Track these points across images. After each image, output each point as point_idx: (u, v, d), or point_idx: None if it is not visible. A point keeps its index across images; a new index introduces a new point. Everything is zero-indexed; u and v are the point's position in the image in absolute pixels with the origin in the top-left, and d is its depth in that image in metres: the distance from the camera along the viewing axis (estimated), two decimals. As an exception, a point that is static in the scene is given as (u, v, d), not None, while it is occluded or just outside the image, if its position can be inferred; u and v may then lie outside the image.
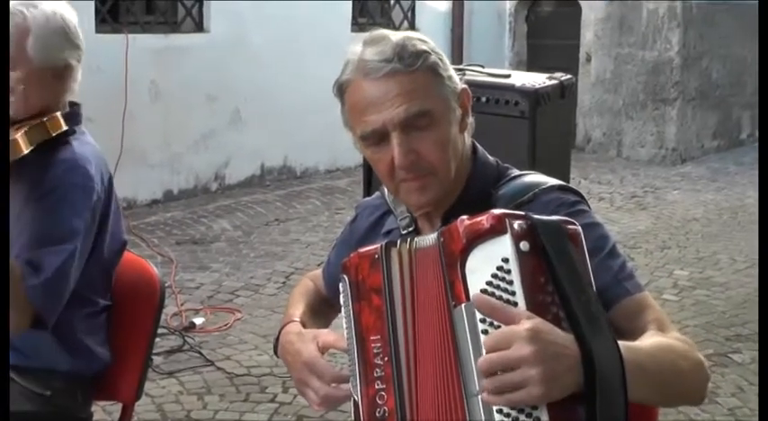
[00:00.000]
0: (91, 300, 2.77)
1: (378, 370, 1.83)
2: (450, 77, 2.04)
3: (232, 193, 8.67)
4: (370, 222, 2.27)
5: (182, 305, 5.73)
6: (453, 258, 1.73)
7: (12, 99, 2.60)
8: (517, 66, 11.38)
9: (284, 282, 6.40)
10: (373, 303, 1.86)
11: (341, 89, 2.10)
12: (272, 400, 4.65)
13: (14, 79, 2.62)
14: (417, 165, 1.99)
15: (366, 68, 2.00)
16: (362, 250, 1.92)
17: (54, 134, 2.62)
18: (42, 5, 2.67)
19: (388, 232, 2.18)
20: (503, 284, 1.67)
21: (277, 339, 2.24)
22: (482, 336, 1.66)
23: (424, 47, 2.00)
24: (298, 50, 9.05)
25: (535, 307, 1.67)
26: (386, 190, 2.20)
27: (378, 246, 1.90)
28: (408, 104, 1.96)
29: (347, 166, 9.62)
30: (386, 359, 1.82)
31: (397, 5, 10.65)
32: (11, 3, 2.63)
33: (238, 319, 5.67)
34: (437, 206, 2.07)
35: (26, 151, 2.51)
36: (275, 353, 2.25)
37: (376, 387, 1.83)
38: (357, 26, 9.99)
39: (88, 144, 2.76)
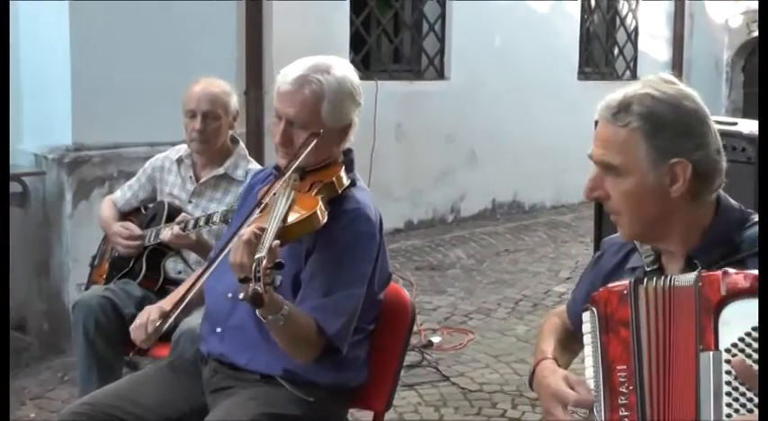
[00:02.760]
0: (362, 329, 2.80)
1: (622, 397, 1.81)
2: (658, 147, 1.98)
3: (466, 225, 8.66)
4: (617, 259, 2.22)
5: (421, 324, 5.75)
6: (709, 305, 1.69)
7: (303, 152, 2.64)
8: (733, 113, 10.97)
9: (513, 308, 6.36)
10: (620, 335, 1.83)
11: None
12: (503, 415, 4.61)
13: (305, 136, 2.67)
14: (607, 203, 2.05)
15: (600, 109, 2.05)
16: (611, 285, 1.89)
17: (340, 191, 2.68)
18: (334, 71, 2.69)
19: (633, 269, 2.13)
20: (754, 344, 1.62)
21: (533, 373, 2.23)
22: (725, 387, 1.61)
23: (643, 110, 1.97)
24: (528, 97, 9.02)
25: None
26: None
27: (626, 282, 1.87)
28: (603, 152, 2.01)
29: (571, 203, 9.51)
30: (630, 388, 1.79)
31: (621, 56, 10.47)
32: (307, 69, 2.67)
33: (471, 340, 5.66)
34: (679, 246, 2.02)
35: (324, 221, 2.56)
36: (530, 386, 2.24)
37: (620, 413, 1.80)
38: (583, 75, 9.90)
39: (364, 190, 2.80)
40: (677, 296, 1.78)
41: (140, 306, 3.77)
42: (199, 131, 3.84)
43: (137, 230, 3.92)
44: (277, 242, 2.35)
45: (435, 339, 5.56)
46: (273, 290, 2.37)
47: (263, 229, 2.42)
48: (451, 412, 4.63)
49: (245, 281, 2.27)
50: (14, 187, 5.30)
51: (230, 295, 2.70)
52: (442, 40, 8.56)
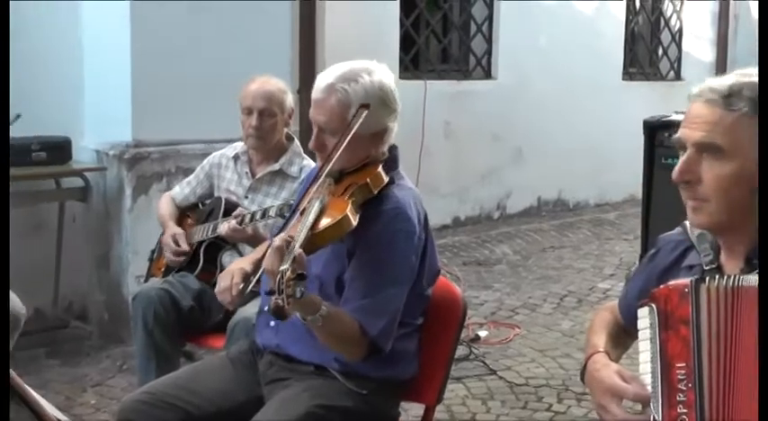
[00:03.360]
0: (408, 323, 2.77)
1: (681, 394, 1.77)
2: None
3: (512, 222, 8.61)
4: (673, 257, 2.16)
5: (468, 319, 5.70)
6: None
7: (335, 156, 2.61)
8: (775, 114, 10.82)
9: (558, 303, 6.30)
10: (680, 333, 1.79)
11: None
12: (548, 409, 4.56)
13: (335, 142, 2.64)
14: (695, 188, 1.94)
15: (699, 90, 1.98)
16: (672, 283, 1.85)
17: (377, 192, 2.64)
18: (363, 79, 2.64)
19: (690, 267, 2.07)
20: None
21: (584, 367, 2.18)
22: None
23: (754, 97, 1.91)
24: (573, 96, 8.95)
25: None
26: (688, 225, 2.10)
27: (687, 280, 1.82)
28: (706, 133, 1.91)
29: (615, 201, 9.45)
30: (689, 386, 1.75)
31: (665, 57, 10.36)
32: (336, 78, 2.64)
33: (517, 334, 5.62)
34: (744, 243, 1.96)
35: (355, 223, 2.53)
36: (581, 379, 2.19)
37: (678, 410, 1.76)
38: (628, 75, 9.82)
39: (405, 188, 2.75)
40: (741, 296, 1.74)
41: (198, 298, 3.80)
42: (255, 128, 3.84)
43: (185, 246, 3.94)
44: (300, 252, 2.34)
45: (482, 333, 5.52)
46: (309, 294, 2.35)
47: (292, 237, 2.41)
48: (498, 405, 4.60)
49: (270, 293, 2.28)
50: (77, 182, 5.34)
51: None
52: (489, 40, 8.53)
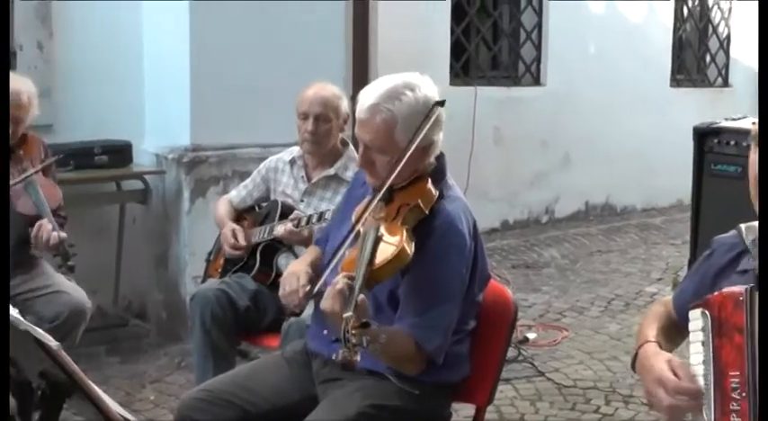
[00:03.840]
0: (461, 329, 2.76)
1: (734, 403, 1.74)
2: None
3: (560, 226, 8.56)
4: (726, 259, 2.13)
5: (517, 321, 5.68)
6: None
7: (384, 174, 2.61)
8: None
9: (606, 307, 6.25)
10: (734, 341, 1.76)
11: None
12: (596, 411, 4.52)
13: (383, 160, 2.63)
14: None
15: None
16: (726, 290, 1.82)
17: (427, 211, 2.62)
18: (406, 96, 2.61)
19: (744, 271, 2.04)
20: None
21: (635, 356, 2.15)
22: None
23: None
24: (621, 103, 8.89)
25: None
26: (743, 229, 2.07)
27: (742, 288, 1.79)
28: None
29: (662, 206, 9.35)
30: (743, 395, 1.72)
31: (713, 63, 10.23)
32: (379, 97, 2.62)
33: (566, 337, 5.58)
34: None
35: (411, 252, 2.51)
36: (632, 368, 2.16)
37: (732, 419, 1.73)
38: (675, 82, 9.72)
39: (455, 199, 2.73)
40: None
41: (254, 299, 3.81)
42: (311, 133, 3.84)
43: (242, 241, 3.95)
44: (363, 298, 2.32)
45: (531, 335, 5.49)
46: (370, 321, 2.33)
47: (352, 278, 2.39)
48: (547, 406, 4.56)
49: (336, 341, 2.27)
50: (137, 185, 5.39)
51: None
52: (538, 47, 8.50)
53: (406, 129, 2.60)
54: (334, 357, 2.26)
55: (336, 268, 2.57)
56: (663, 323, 2.26)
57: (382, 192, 2.61)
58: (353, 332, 2.21)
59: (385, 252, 2.48)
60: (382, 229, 2.54)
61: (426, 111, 2.60)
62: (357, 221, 2.62)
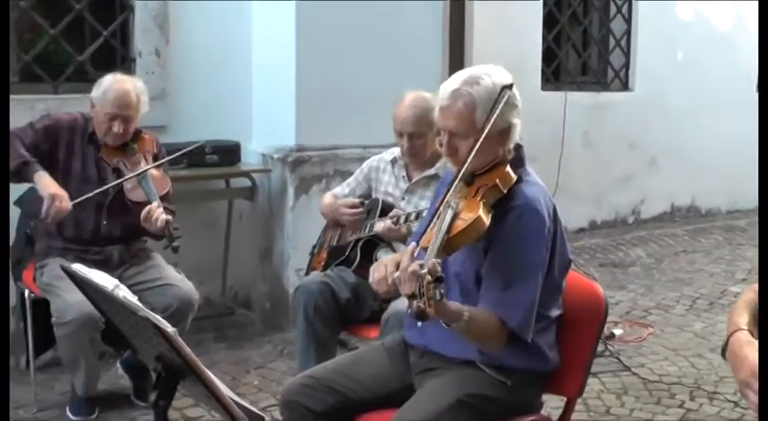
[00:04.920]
0: (545, 316, 2.73)
1: None
2: None
3: (646, 226, 8.42)
4: None
5: (604, 317, 5.60)
6: None
7: (469, 158, 2.59)
8: None
9: (691, 305, 6.12)
10: None
11: None
12: (681, 406, 4.42)
13: (467, 145, 2.62)
14: None
15: None
16: None
17: (506, 190, 2.61)
18: (483, 81, 2.62)
19: None
20: None
21: (726, 343, 2.10)
22: None
23: None
24: (707, 108, 8.71)
25: None
26: None
27: None
28: None
29: (747, 208, 9.11)
30: None
31: (800, 70, 9.94)
32: (459, 83, 2.63)
33: (651, 334, 5.47)
34: None
35: (488, 223, 2.51)
36: (722, 355, 2.10)
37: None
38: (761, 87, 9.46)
39: (533, 184, 2.70)
40: None
41: (354, 291, 3.82)
42: (407, 149, 3.84)
43: (355, 200, 3.99)
44: (434, 261, 2.31)
45: (617, 331, 5.40)
46: (447, 297, 2.34)
47: (427, 244, 2.42)
48: (632, 400, 4.48)
49: (412, 297, 2.27)
50: (245, 182, 5.45)
51: None
52: (627, 54, 8.38)
53: (484, 111, 2.61)
54: (409, 312, 2.26)
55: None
56: (753, 310, 2.19)
57: (463, 171, 2.60)
58: (429, 287, 2.23)
59: (461, 220, 2.50)
60: (461, 204, 2.56)
61: (504, 101, 2.61)
62: (440, 204, 2.63)
